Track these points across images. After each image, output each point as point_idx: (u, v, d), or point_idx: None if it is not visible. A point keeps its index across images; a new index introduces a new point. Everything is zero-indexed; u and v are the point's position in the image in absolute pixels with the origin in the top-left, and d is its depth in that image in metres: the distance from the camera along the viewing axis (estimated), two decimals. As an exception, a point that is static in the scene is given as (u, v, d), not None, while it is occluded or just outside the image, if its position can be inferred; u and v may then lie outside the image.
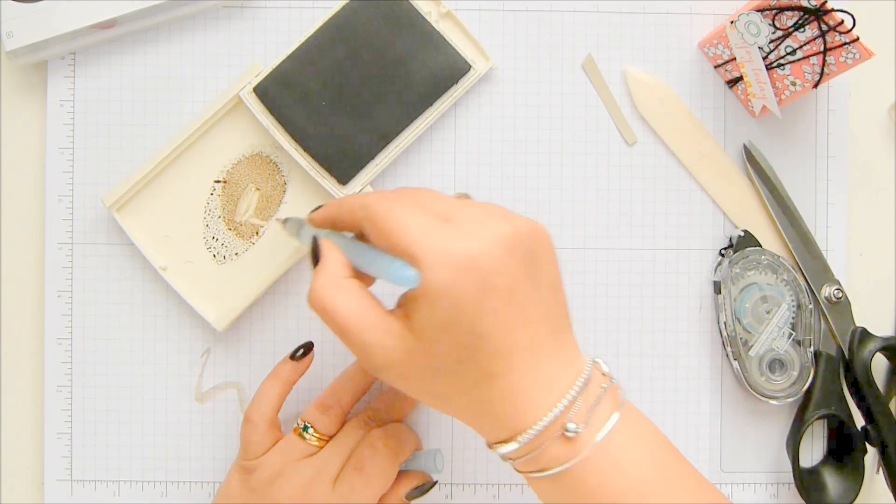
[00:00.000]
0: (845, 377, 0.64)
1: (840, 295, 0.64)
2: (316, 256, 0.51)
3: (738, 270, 0.63)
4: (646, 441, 0.48)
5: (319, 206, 0.54)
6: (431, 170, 0.65)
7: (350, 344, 0.48)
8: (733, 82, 0.64)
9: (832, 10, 0.57)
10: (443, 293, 0.45)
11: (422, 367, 0.47)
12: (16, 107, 0.65)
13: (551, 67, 0.65)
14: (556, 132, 0.65)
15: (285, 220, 0.59)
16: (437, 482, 0.59)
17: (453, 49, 0.63)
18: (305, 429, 0.59)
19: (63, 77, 0.64)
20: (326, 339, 0.64)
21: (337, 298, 0.48)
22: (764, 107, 0.63)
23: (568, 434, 0.46)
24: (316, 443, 0.59)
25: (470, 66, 0.63)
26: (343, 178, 0.62)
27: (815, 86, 0.60)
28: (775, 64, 0.61)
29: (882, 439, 0.62)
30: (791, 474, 0.63)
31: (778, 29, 0.59)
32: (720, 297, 0.63)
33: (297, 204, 0.64)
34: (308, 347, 0.61)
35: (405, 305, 0.48)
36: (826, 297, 0.64)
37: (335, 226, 0.52)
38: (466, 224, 0.47)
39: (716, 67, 0.65)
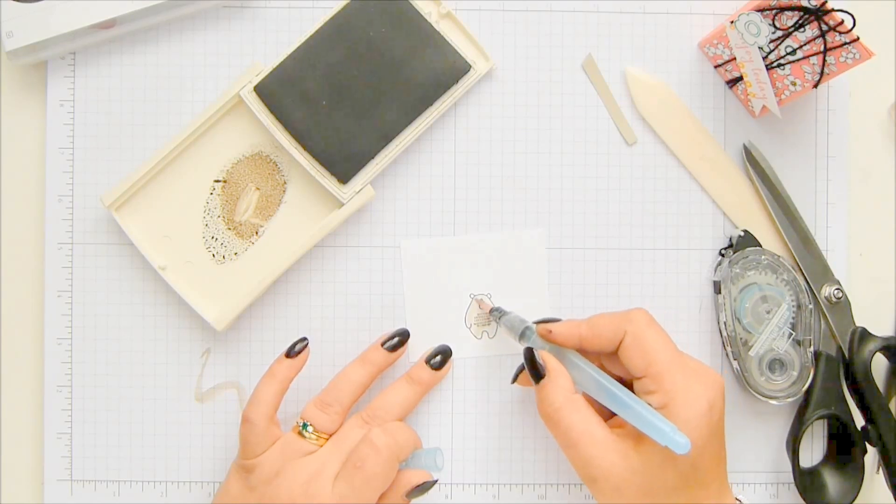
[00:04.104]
0: (845, 377, 0.64)
1: (840, 295, 0.64)
2: (535, 367, 0.57)
3: (738, 270, 0.63)
4: None
5: (551, 320, 0.59)
6: (431, 170, 0.65)
7: (575, 455, 0.54)
8: (733, 82, 0.64)
9: (832, 10, 0.57)
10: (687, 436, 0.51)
11: (638, 486, 0.53)
12: (16, 107, 0.65)
13: (551, 67, 0.65)
14: (556, 132, 0.65)
15: (498, 311, 0.62)
16: (437, 481, 0.59)
17: (453, 49, 0.63)
18: (305, 427, 0.59)
19: (63, 77, 0.64)
20: (325, 338, 0.64)
21: (572, 415, 0.55)
22: (764, 107, 0.63)
23: None
24: (315, 441, 0.59)
25: (470, 66, 0.63)
26: (343, 177, 0.62)
27: (815, 86, 0.60)
28: (775, 64, 0.61)
29: (882, 439, 0.62)
30: (791, 474, 0.63)
31: (778, 29, 0.59)
32: (720, 297, 0.63)
33: (298, 204, 0.64)
34: (303, 344, 0.61)
35: (632, 426, 0.53)
36: (826, 297, 0.64)
37: (582, 345, 0.57)
38: (692, 363, 0.55)
39: (716, 67, 0.65)
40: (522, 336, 0.59)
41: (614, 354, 0.57)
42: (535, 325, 0.59)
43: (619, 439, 0.54)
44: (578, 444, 0.54)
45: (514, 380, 0.62)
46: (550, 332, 0.58)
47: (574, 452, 0.55)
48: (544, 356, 0.57)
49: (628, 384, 0.57)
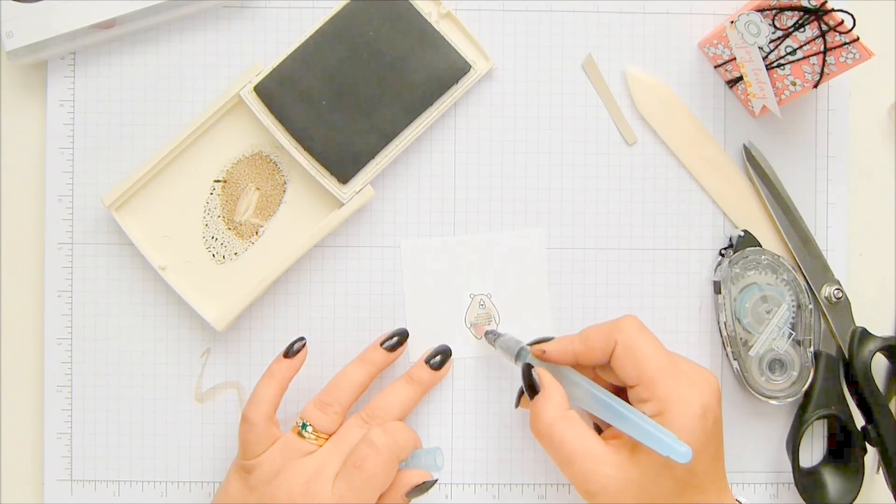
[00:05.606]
0: (845, 377, 0.64)
1: (840, 295, 0.64)
2: (532, 385, 0.57)
3: (738, 270, 0.63)
4: None
5: (543, 340, 0.59)
6: (431, 170, 0.65)
7: (571, 471, 0.54)
8: (733, 82, 0.64)
9: (832, 10, 0.57)
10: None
11: (636, 496, 0.53)
12: (16, 107, 0.65)
13: (551, 67, 0.65)
14: (556, 132, 0.65)
15: (493, 333, 0.63)
16: (437, 481, 0.59)
17: (453, 49, 0.63)
18: (304, 427, 0.59)
19: (63, 77, 0.64)
20: (325, 338, 0.64)
21: (566, 431, 0.54)
22: (764, 107, 0.63)
23: None
24: (315, 441, 0.59)
25: (470, 66, 0.63)
26: (343, 177, 0.62)
27: (815, 86, 0.60)
28: (775, 64, 0.61)
29: (882, 439, 0.62)
30: (791, 474, 0.63)
31: (778, 29, 0.59)
32: (720, 297, 0.63)
33: (297, 204, 0.64)
34: (301, 343, 0.61)
35: (627, 437, 0.53)
36: (826, 297, 0.64)
37: (577, 360, 0.57)
38: (686, 366, 0.55)
39: (716, 67, 0.65)
40: (518, 357, 0.59)
41: (608, 365, 0.57)
42: (529, 347, 0.59)
43: (614, 451, 0.54)
44: (574, 458, 0.54)
45: (518, 404, 0.62)
46: (544, 352, 0.58)
47: (570, 468, 0.54)
48: (540, 373, 0.57)
49: (622, 394, 0.57)
